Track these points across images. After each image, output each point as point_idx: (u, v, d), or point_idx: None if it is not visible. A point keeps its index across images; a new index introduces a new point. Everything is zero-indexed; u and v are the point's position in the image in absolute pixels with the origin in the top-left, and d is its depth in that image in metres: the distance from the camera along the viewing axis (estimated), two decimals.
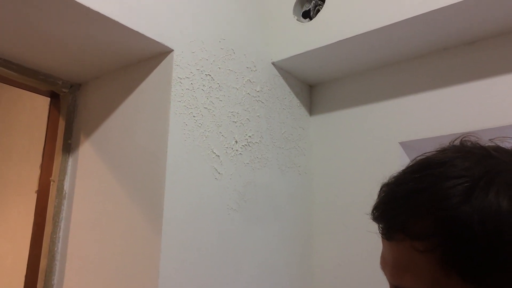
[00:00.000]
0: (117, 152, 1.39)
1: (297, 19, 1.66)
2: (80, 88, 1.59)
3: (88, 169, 1.46)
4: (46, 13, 1.16)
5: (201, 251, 1.30)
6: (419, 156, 0.55)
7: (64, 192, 1.49)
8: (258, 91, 1.60)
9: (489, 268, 0.46)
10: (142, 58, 1.39)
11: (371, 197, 0.57)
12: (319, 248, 1.70)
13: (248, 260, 1.45)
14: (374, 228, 0.56)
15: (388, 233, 0.53)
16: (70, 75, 1.52)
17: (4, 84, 1.51)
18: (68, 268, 1.41)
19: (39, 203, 1.48)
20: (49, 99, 1.58)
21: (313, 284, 1.68)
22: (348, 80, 1.78)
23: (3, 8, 1.14)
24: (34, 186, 1.53)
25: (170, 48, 1.32)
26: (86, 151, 1.49)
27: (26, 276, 1.44)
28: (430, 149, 0.55)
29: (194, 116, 1.35)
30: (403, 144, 1.58)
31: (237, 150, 1.47)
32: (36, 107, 1.94)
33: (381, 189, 0.55)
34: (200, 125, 1.36)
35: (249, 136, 1.53)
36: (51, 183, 1.50)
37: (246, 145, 1.51)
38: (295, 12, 1.68)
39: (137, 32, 1.25)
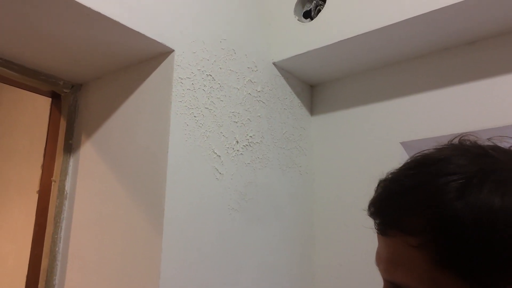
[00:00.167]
0: (118, 152, 1.40)
1: (298, 19, 1.66)
2: (81, 89, 1.59)
3: (89, 169, 1.46)
4: (47, 13, 1.16)
5: (202, 251, 1.30)
6: (417, 153, 0.55)
7: (65, 192, 1.49)
8: (259, 91, 1.60)
9: (481, 265, 0.47)
10: (143, 59, 1.39)
11: (372, 197, 0.57)
12: (320, 248, 1.70)
13: (249, 260, 1.45)
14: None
15: (382, 229, 0.54)
16: (71, 75, 1.53)
17: (5, 85, 1.52)
18: (70, 268, 1.41)
19: (40, 203, 1.48)
20: (50, 99, 1.58)
21: (314, 284, 1.68)
22: (349, 80, 1.78)
23: (4, 9, 1.14)
24: (35, 186, 1.53)
25: (171, 49, 1.33)
26: (87, 151, 1.49)
27: (27, 276, 1.45)
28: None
29: (195, 116, 1.35)
30: (404, 144, 1.58)
31: (238, 150, 1.48)
32: (37, 108, 1.95)
33: (378, 185, 0.56)
34: (201, 125, 1.37)
35: (250, 136, 1.53)
36: (52, 183, 1.50)
37: (247, 145, 1.51)
38: (296, 12, 1.68)
39: (138, 33, 1.25)
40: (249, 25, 1.62)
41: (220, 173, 1.40)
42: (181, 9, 1.38)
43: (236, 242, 1.41)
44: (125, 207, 1.32)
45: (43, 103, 1.74)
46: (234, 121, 1.48)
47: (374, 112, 1.67)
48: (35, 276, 1.44)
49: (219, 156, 1.41)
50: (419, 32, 1.45)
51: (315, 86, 1.88)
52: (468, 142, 0.54)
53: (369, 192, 0.57)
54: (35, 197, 1.51)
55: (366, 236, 1.58)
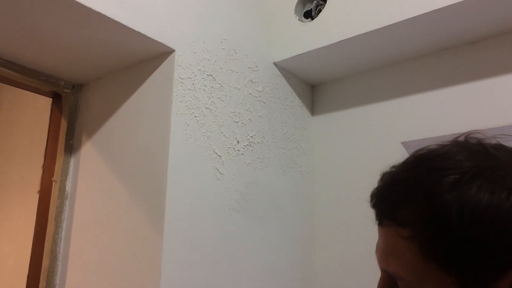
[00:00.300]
0: (118, 152, 1.40)
1: (298, 19, 1.66)
2: (82, 89, 1.59)
3: (90, 169, 1.47)
4: (48, 14, 1.16)
5: (203, 251, 1.30)
6: (420, 148, 0.57)
7: (66, 192, 1.49)
8: (259, 91, 1.60)
9: (465, 258, 0.48)
10: (143, 59, 1.39)
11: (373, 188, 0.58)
12: (321, 248, 1.70)
13: (250, 260, 1.45)
14: (375, 228, 0.57)
15: (379, 219, 0.56)
16: (72, 75, 1.53)
17: (6, 85, 1.52)
18: (70, 268, 1.41)
19: (41, 204, 1.49)
20: (51, 99, 1.58)
21: (314, 284, 1.68)
22: (349, 80, 1.78)
23: (5, 9, 1.14)
24: (36, 186, 1.53)
25: (172, 49, 1.33)
26: (88, 151, 1.49)
27: (28, 276, 1.45)
28: None
29: (195, 116, 1.35)
30: (405, 144, 1.58)
31: (238, 150, 1.48)
32: (38, 108, 1.95)
33: (380, 177, 0.57)
34: (201, 125, 1.37)
35: (251, 136, 1.53)
36: (53, 183, 1.50)
37: (247, 145, 1.51)
38: (296, 12, 1.68)
39: (138, 33, 1.25)
40: (249, 25, 1.62)
41: (220, 173, 1.40)
42: (181, 9, 1.38)
43: (236, 242, 1.41)
44: (126, 207, 1.32)
45: (44, 103, 1.74)
46: (235, 121, 1.48)
47: (375, 112, 1.67)
48: (36, 276, 1.44)
49: (220, 156, 1.41)
50: (419, 32, 1.45)
51: (316, 86, 1.88)
52: (473, 140, 0.55)
53: (369, 192, 0.58)
54: (35, 197, 1.51)
55: (367, 236, 1.58)
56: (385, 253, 0.55)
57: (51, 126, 1.55)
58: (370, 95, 1.70)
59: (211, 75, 1.42)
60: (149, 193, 1.27)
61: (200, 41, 1.41)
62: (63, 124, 1.55)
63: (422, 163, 0.54)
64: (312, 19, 1.64)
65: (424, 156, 0.55)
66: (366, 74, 1.74)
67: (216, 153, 1.40)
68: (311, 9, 1.67)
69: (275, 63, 1.69)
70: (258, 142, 1.56)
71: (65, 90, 1.56)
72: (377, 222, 0.56)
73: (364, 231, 1.56)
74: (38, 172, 1.54)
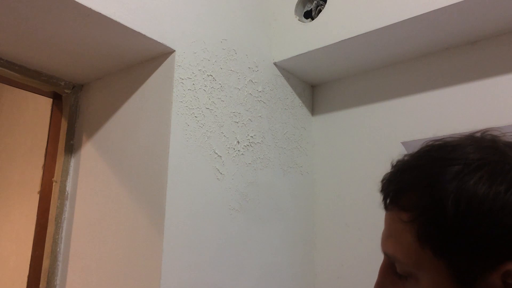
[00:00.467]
0: (119, 152, 1.40)
1: (298, 20, 1.66)
2: (83, 89, 1.59)
3: (90, 170, 1.47)
4: (48, 14, 1.16)
5: (203, 251, 1.30)
6: (435, 139, 0.58)
7: (66, 192, 1.49)
8: (260, 92, 1.60)
9: (458, 247, 0.49)
10: (144, 59, 1.39)
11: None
12: (322, 248, 1.70)
13: (250, 260, 1.45)
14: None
15: (385, 203, 0.57)
16: (72, 76, 1.53)
17: (7, 85, 1.52)
18: (71, 269, 1.42)
19: (42, 204, 1.49)
20: (51, 100, 1.58)
21: (315, 284, 1.68)
22: (350, 80, 1.78)
23: (5, 10, 1.14)
24: (37, 186, 1.53)
25: (172, 49, 1.33)
26: (88, 151, 1.49)
27: (28, 277, 1.45)
28: None
29: (196, 117, 1.35)
30: (405, 144, 1.58)
31: (239, 150, 1.48)
32: (38, 108, 1.95)
33: (393, 164, 0.59)
34: (202, 125, 1.37)
35: (251, 137, 1.53)
36: (54, 183, 1.50)
37: (248, 145, 1.51)
38: (296, 12, 1.68)
39: (139, 33, 1.25)
40: (250, 25, 1.62)
41: (221, 173, 1.40)
42: (181, 10, 1.38)
43: (237, 242, 1.41)
44: (126, 208, 1.32)
45: (44, 104, 1.75)
46: (235, 121, 1.48)
47: (375, 112, 1.67)
48: (36, 277, 1.44)
49: (220, 156, 1.41)
50: (419, 32, 1.45)
51: (316, 86, 1.88)
52: (487, 136, 0.56)
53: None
54: (36, 198, 1.51)
55: (368, 236, 1.58)
56: (386, 236, 0.57)
57: (51, 126, 1.55)
58: (370, 95, 1.70)
59: (211, 75, 1.42)
60: (150, 194, 1.27)
61: (200, 41, 1.41)
62: (64, 125, 1.55)
63: (431, 153, 0.55)
64: (312, 19, 1.64)
65: (436, 146, 0.56)
66: (366, 74, 1.74)
67: (217, 153, 1.40)
68: (311, 9, 1.67)
69: (275, 63, 1.69)
70: (258, 142, 1.56)
71: (66, 91, 1.56)
72: (382, 205, 0.58)
73: (365, 231, 1.56)
74: (39, 172, 1.54)
